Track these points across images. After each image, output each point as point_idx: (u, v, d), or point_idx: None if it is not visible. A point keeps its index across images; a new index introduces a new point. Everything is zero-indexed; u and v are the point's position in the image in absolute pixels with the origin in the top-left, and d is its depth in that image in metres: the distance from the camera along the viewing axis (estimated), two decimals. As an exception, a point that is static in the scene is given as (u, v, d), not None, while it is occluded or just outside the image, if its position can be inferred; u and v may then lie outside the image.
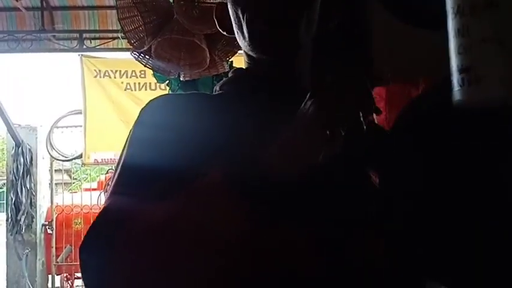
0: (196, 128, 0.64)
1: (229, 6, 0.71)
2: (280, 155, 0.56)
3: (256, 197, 0.54)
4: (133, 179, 0.62)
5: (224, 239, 0.55)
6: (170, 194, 0.56)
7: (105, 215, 0.59)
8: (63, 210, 4.89)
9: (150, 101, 0.69)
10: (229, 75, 0.77)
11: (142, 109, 0.68)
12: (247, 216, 0.54)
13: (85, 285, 0.58)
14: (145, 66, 2.02)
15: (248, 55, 0.73)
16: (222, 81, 0.76)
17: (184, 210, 0.55)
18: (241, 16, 0.68)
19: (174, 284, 0.55)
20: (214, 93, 0.76)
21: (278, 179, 0.54)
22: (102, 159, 4.57)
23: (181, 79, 2.15)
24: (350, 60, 1.48)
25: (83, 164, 4.81)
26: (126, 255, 0.55)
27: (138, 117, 0.68)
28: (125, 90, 4.56)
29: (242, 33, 0.69)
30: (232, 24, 0.73)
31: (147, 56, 1.97)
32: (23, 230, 4.77)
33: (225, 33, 0.77)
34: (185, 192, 0.56)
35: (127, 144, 0.66)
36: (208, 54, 1.90)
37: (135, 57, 1.98)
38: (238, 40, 0.73)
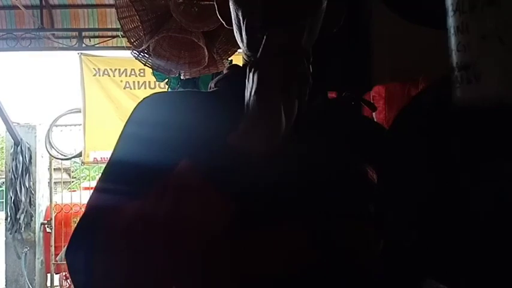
0: (189, 126, 0.63)
1: (230, 3, 0.70)
2: (245, 132, 0.56)
3: (239, 195, 0.53)
4: (118, 176, 0.62)
5: (204, 235, 0.54)
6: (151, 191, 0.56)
7: (87, 215, 0.59)
8: (62, 209, 4.89)
9: (144, 98, 0.69)
10: (224, 71, 0.77)
11: (135, 107, 0.68)
12: (225, 210, 0.54)
13: (74, 286, 0.58)
14: (145, 65, 2.02)
15: (246, 55, 0.73)
16: (216, 78, 0.75)
17: (160, 208, 0.54)
18: (241, 19, 0.67)
19: (155, 282, 0.54)
20: (209, 90, 0.75)
21: (248, 158, 0.54)
22: (101, 158, 4.56)
23: (182, 78, 2.15)
24: (349, 59, 1.48)
25: (83, 163, 4.80)
26: (106, 255, 0.54)
27: (130, 114, 0.67)
28: (124, 88, 4.56)
29: (241, 35, 0.68)
30: (230, 16, 0.72)
31: (146, 55, 1.97)
32: (22, 229, 4.78)
33: (224, 23, 0.75)
34: (160, 188, 0.55)
35: (118, 141, 0.65)
36: (206, 52, 1.90)
37: (135, 56, 1.97)
38: (236, 39, 0.72)
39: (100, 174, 0.64)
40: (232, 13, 0.70)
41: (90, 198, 0.61)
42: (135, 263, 0.54)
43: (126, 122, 0.67)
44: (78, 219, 0.59)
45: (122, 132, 0.66)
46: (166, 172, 0.56)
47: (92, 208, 0.60)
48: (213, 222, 0.54)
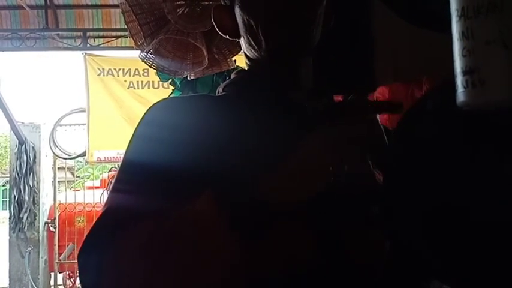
0: (199, 129, 0.64)
1: (238, 13, 0.71)
2: (280, 182, 0.56)
3: (248, 226, 0.54)
4: (133, 177, 0.62)
5: (214, 264, 0.55)
6: (169, 197, 0.57)
7: (104, 218, 0.59)
8: (65, 208, 4.90)
9: (155, 103, 0.70)
10: (232, 76, 0.77)
11: (146, 111, 0.69)
12: (237, 244, 0.54)
13: (82, 286, 0.58)
14: (150, 67, 2.03)
15: (250, 58, 0.74)
16: (225, 83, 0.76)
17: (177, 229, 0.55)
18: (253, 24, 0.69)
19: None
20: (217, 94, 0.76)
21: (274, 207, 0.54)
22: (105, 157, 4.58)
23: (188, 78, 2.16)
24: (352, 60, 1.48)
25: (87, 162, 4.82)
26: (123, 259, 0.54)
27: (142, 118, 0.68)
28: (128, 88, 4.57)
29: (255, 40, 0.70)
30: (233, 28, 0.73)
31: (153, 56, 1.98)
32: (26, 228, 4.79)
33: (227, 36, 0.76)
34: (179, 213, 0.56)
35: (129, 144, 0.66)
36: (206, 53, 1.91)
37: (141, 58, 1.98)
38: (245, 45, 0.73)
39: (116, 176, 0.64)
40: (241, 22, 0.71)
41: (108, 197, 0.62)
42: (152, 270, 0.54)
43: (138, 125, 0.67)
44: (96, 219, 0.59)
45: (135, 133, 0.67)
46: (185, 175, 0.57)
47: (110, 212, 0.59)
48: (223, 254, 0.55)
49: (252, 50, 0.71)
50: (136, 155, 0.64)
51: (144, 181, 0.60)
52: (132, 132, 0.67)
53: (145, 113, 0.68)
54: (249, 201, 0.55)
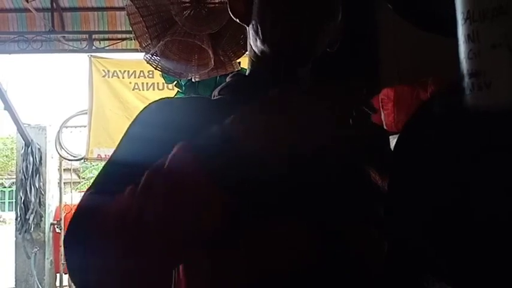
0: (190, 130, 0.64)
1: (256, 1, 0.71)
2: (262, 134, 0.53)
3: (236, 188, 0.51)
4: (115, 173, 0.62)
5: (202, 231, 0.52)
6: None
7: (81, 206, 0.58)
8: (71, 209, 4.93)
9: (149, 104, 0.70)
10: (228, 79, 0.77)
11: (141, 110, 0.69)
12: (224, 207, 0.51)
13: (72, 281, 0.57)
14: (155, 68, 2.04)
15: (254, 51, 0.73)
16: (220, 86, 0.76)
17: (157, 200, 0.52)
18: (265, 15, 0.68)
19: (149, 277, 0.53)
20: (213, 98, 0.75)
21: (258, 162, 0.51)
22: (105, 155, 4.56)
23: (193, 80, 2.17)
24: (357, 62, 1.49)
25: (86, 159, 4.79)
26: (98, 247, 0.53)
27: (136, 117, 0.68)
28: (133, 90, 4.59)
29: (264, 33, 0.69)
30: (245, 12, 0.73)
31: (158, 58, 1.99)
32: (32, 229, 4.82)
33: (237, 20, 0.76)
34: (149, 178, 0.53)
35: (120, 142, 0.66)
36: (211, 54, 1.91)
37: (146, 60, 1.99)
38: (252, 35, 0.72)
39: (100, 170, 0.64)
40: (255, 10, 0.70)
41: (87, 190, 0.61)
42: (130, 257, 0.52)
43: (131, 124, 0.67)
44: (74, 211, 0.58)
45: (125, 133, 0.67)
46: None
47: (86, 201, 0.59)
48: (209, 217, 0.52)
49: (257, 40, 0.70)
50: (121, 152, 0.64)
51: (127, 178, 0.57)
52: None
53: (138, 113, 0.68)
54: (232, 153, 0.51)
